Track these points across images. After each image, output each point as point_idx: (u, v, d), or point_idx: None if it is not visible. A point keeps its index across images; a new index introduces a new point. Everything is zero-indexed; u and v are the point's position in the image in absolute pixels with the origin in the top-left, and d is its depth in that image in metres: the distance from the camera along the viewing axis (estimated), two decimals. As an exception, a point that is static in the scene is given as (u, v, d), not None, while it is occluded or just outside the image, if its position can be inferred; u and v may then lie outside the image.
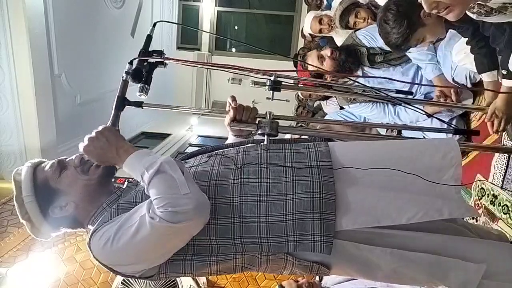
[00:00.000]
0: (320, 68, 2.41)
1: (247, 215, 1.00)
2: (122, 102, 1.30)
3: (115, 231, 0.97)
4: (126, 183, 1.19)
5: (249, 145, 1.19)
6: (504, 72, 1.57)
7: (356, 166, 1.06)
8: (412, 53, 2.16)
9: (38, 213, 1.09)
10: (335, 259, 1.02)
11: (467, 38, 1.75)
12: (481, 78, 1.90)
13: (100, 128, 1.09)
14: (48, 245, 3.01)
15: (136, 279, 3.16)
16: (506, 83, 1.60)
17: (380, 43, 2.31)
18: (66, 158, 1.16)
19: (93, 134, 1.07)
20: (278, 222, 1.00)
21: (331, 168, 1.05)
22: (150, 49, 1.37)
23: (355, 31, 2.51)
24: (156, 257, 1.00)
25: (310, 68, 2.52)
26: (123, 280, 3.17)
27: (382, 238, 1.02)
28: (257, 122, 1.28)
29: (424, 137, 2.08)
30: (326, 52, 2.44)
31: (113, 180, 1.20)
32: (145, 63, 1.34)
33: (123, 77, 1.28)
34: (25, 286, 2.85)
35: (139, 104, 1.37)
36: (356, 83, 2.11)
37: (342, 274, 1.08)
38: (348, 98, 2.51)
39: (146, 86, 1.34)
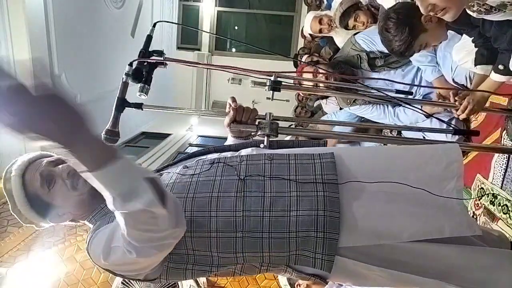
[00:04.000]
0: (318, 72, 2.43)
1: (250, 230, 0.98)
2: (122, 103, 1.30)
3: (104, 246, 0.93)
4: None
5: (253, 153, 1.15)
6: (501, 67, 1.58)
7: (361, 179, 1.04)
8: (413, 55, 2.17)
9: (38, 218, 1.09)
10: (334, 273, 1.02)
11: (472, 38, 1.75)
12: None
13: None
14: (48, 245, 3.02)
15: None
16: (495, 77, 1.61)
17: (379, 46, 2.31)
18: (52, 161, 1.09)
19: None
20: (281, 238, 0.98)
21: (336, 183, 1.03)
22: (150, 49, 1.38)
23: (354, 34, 2.52)
24: (151, 264, 0.97)
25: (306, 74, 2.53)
26: (123, 280, 3.17)
27: (382, 253, 1.02)
28: (257, 123, 1.28)
29: (424, 137, 2.08)
30: (321, 72, 2.46)
31: None
32: (145, 63, 1.35)
33: (123, 78, 1.29)
34: (25, 286, 2.85)
35: (139, 106, 1.37)
36: (357, 83, 2.11)
37: (338, 282, 1.09)
38: (348, 100, 2.52)
39: (146, 86, 1.35)
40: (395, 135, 2.56)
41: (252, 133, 1.30)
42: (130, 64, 1.31)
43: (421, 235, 1.00)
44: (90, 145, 0.70)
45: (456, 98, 1.79)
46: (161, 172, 1.17)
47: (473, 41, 1.76)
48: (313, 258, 0.98)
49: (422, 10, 1.23)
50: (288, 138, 2.29)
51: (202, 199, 1.00)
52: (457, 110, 1.79)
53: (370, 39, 2.39)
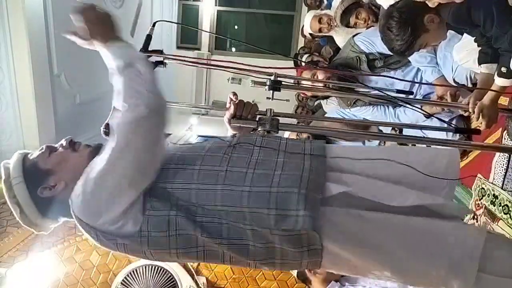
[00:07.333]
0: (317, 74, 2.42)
1: (231, 184, 0.99)
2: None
3: (81, 185, 0.97)
4: None
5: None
6: (503, 69, 1.56)
7: (350, 158, 1.08)
8: (412, 55, 2.16)
9: (26, 195, 1.05)
10: (325, 228, 0.98)
11: (474, 37, 1.74)
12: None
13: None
14: (48, 246, 3.02)
15: (134, 277, 3.17)
16: (499, 82, 1.60)
17: (379, 48, 2.31)
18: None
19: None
20: (261, 192, 0.98)
21: (324, 157, 1.06)
22: (150, 49, 1.37)
23: (353, 36, 2.52)
24: (131, 180, 0.97)
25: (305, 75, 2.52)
26: (123, 280, 3.17)
27: (375, 203, 1.01)
28: (257, 119, 1.28)
29: (424, 136, 2.08)
30: (320, 75, 2.43)
31: None
32: (144, 63, 1.34)
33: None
34: (25, 286, 2.85)
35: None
36: (358, 84, 2.11)
37: (336, 261, 1.02)
38: (348, 102, 2.52)
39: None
40: (396, 133, 2.56)
41: (251, 132, 1.30)
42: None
43: (413, 201, 1.01)
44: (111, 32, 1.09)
45: (470, 106, 1.76)
46: None
47: (475, 41, 1.75)
48: (295, 216, 0.95)
49: None
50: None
51: (189, 155, 1.06)
52: (465, 112, 1.75)
53: (369, 41, 2.39)
